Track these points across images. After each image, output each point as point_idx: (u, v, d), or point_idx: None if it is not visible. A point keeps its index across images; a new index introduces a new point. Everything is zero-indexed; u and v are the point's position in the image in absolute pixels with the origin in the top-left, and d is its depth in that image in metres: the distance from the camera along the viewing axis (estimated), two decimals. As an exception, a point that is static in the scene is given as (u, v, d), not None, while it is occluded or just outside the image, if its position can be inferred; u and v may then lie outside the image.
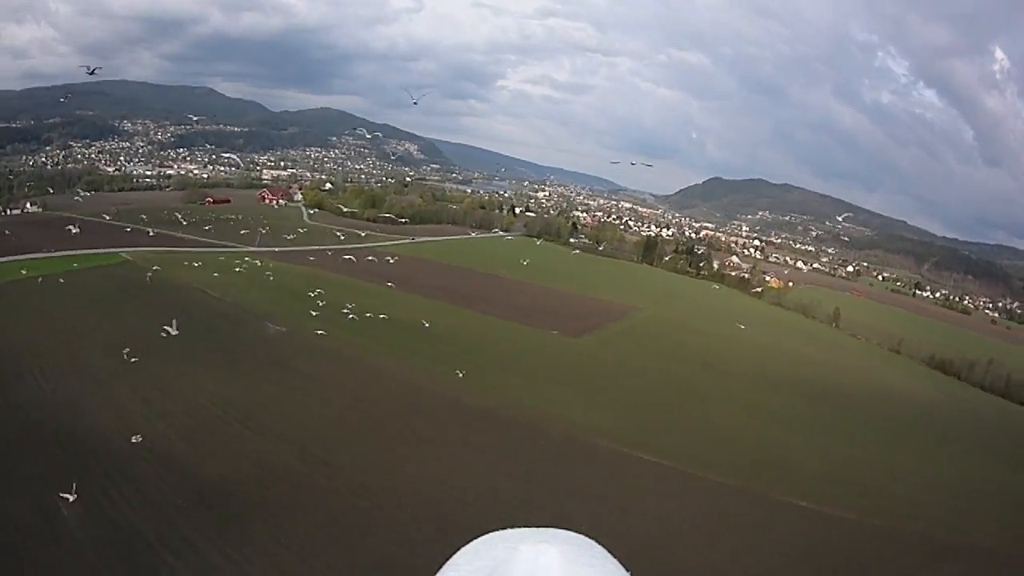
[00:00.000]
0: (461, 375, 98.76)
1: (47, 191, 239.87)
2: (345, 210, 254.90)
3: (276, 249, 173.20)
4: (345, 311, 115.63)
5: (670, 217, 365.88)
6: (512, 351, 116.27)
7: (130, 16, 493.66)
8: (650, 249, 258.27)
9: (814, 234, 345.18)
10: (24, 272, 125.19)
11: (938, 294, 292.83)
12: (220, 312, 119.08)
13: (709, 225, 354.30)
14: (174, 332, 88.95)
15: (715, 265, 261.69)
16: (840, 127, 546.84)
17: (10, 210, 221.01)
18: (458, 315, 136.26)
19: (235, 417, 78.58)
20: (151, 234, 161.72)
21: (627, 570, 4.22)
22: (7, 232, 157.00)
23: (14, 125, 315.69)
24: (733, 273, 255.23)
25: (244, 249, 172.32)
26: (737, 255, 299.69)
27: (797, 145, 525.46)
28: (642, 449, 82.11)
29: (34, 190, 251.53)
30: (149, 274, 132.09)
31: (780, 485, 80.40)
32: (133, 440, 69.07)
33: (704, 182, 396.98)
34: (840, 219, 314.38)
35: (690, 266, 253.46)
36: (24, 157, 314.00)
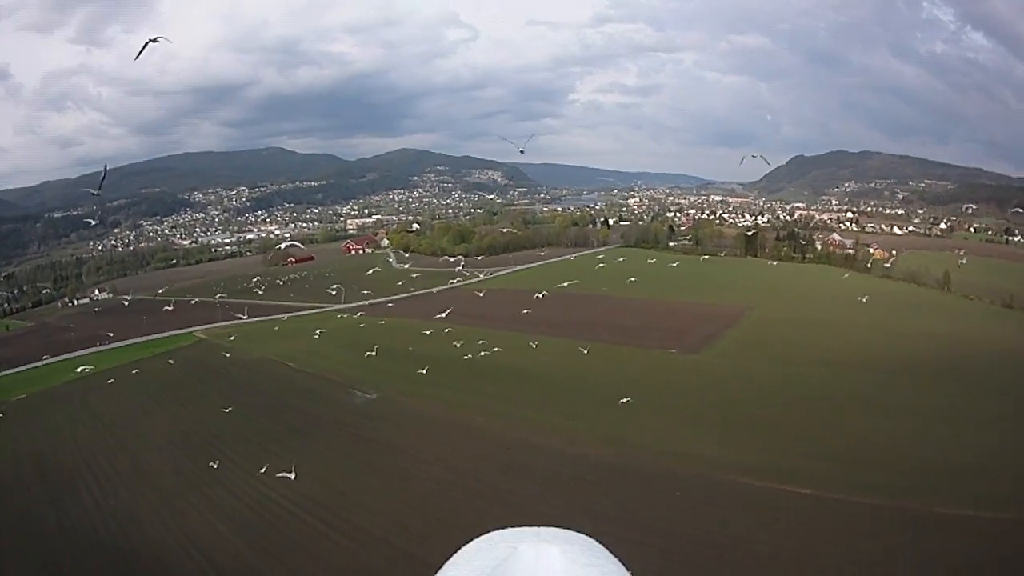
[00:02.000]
0: (573, 422, 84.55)
1: (120, 274, 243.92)
2: (434, 250, 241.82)
3: (365, 303, 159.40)
4: (421, 369, 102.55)
5: (761, 203, 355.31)
6: (628, 381, 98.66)
7: (179, 90, 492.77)
8: (751, 240, 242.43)
9: (900, 196, 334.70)
10: (81, 370, 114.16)
11: None
12: (301, 386, 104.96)
13: (800, 205, 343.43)
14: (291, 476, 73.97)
15: (818, 246, 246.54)
16: (902, 85, 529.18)
17: (77, 300, 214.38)
18: (564, 348, 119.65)
19: (316, 515, 65.05)
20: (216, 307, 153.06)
21: (628, 570, 4.15)
22: (71, 325, 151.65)
23: (75, 213, 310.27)
24: (838, 251, 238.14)
25: (328, 308, 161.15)
26: (837, 231, 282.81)
27: (866, 110, 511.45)
28: (787, 480, 67.28)
29: (104, 274, 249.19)
30: (227, 353, 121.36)
31: (937, 495, 65.40)
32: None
33: (787, 163, 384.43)
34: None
35: (794, 251, 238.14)
36: (91, 243, 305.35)
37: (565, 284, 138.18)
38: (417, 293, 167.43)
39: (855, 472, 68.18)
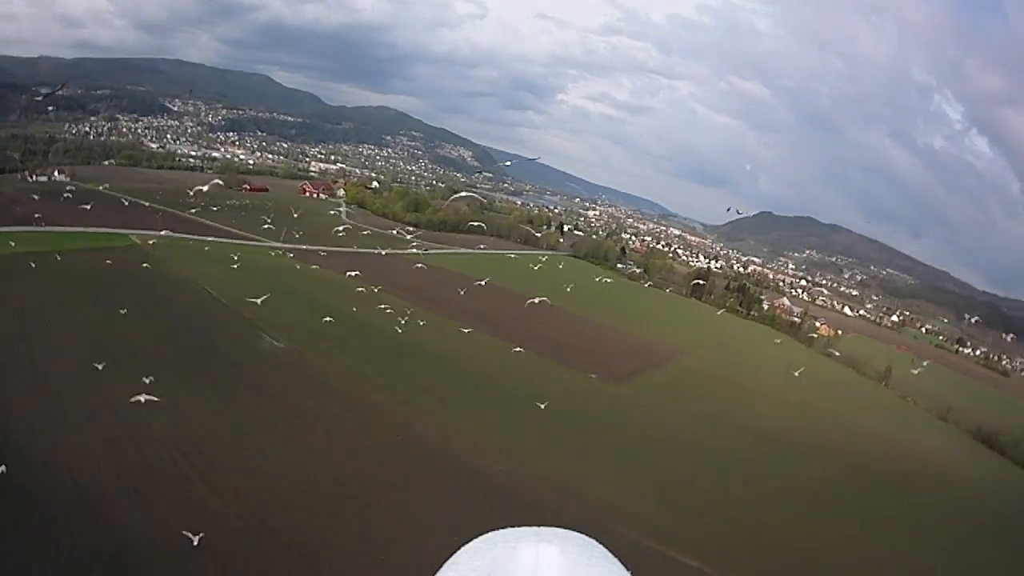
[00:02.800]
0: (473, 425, 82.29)
1: (84, 161, 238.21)
2: (386, 211, 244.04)
3: (302, 247, 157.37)
4: (348, 328, 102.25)
5: (719, 248, 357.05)
6: (539, 397, 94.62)
7: None
8: (700, 284, 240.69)
9: (859, 278, 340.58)
10: (13, 244, 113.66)
11: (978, 351, 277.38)
12: (213, 316, 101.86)
13: (757, 260, 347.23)
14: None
15: (765, 306, 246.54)
16: (891, 169, 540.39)
17: (36, 176, 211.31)
18: (484, 345, 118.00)
19: (191, 463, 60.12)
20: (159, 215, 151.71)
21: (627, 569, 4.13)
22: (20, 199, 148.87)
23: (59, 92, 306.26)
24: (784, 316, 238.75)
25: (265, 243, 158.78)
26: (788, 297, 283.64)
27: (848, 185, 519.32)
28: (670, 543, 64.61)
29: (69, 158, 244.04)
30: (145, 264, 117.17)
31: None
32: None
33: (755, 215, 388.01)
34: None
35: (740, 305, 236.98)
36: (68, 125, 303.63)
37: (484, 280, 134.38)
38: (358, 250, 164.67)
39: (745, 552, 66.14)
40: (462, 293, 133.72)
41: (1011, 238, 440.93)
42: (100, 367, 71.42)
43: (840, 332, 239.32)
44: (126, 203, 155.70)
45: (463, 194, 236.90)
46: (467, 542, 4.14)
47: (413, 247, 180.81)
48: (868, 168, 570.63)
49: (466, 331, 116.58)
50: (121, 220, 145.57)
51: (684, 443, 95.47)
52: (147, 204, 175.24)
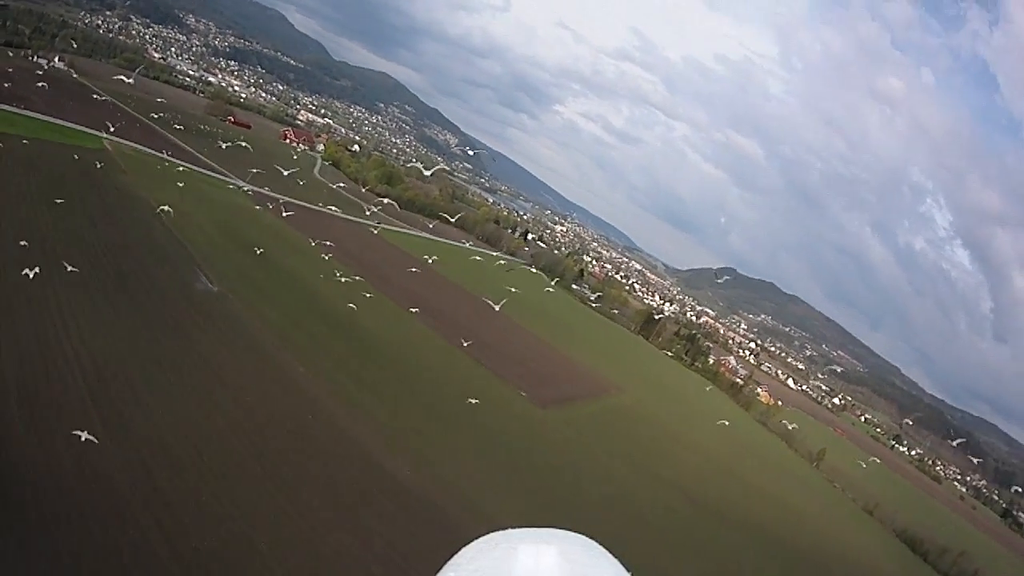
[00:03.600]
0: (382, 413, 78.97)
1: (86, 53, 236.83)
2: (358, 177, 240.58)
3: (265, 190, 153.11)
4: (288, 288, 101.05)
5: (675, 292, 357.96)
6: (460, 401, 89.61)
7: None
8: (650, 324, 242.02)
9: (808, 353, 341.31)
10: None
11: (914, 451, 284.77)
12: (156, 243, 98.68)
13: (711, 312, 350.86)
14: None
15: (711, 360, 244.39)
16: (865, 257, 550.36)
17: (37, 58, 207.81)
18: (418, 334, 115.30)
19: (83, 372, 58.43)
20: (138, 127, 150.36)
21: (627, 570, 3.92)
22: (13, 77, 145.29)
23: None
24: (727, 375, 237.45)
25: (231, 180, 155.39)
26: (735, 356, 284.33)
27: (818, 261, 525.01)
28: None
29: (74, 44, 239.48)
30: (99, 163, 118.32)
31: None
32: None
33: (718, 268, 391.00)
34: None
35: (686, 354, 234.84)
36: (83, 13, 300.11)
37: (432, 258, 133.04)
38: (319, 208, 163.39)
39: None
40: (413, 271, 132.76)
41: (970, 351, 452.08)
42: (24, 243, 72.40)
43: (780, 403, 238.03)
44: (104, 101, 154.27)
45: (441, 166, 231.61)
46: (468, 543, 3.90)
47: (372, 218, 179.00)
48: (842, 250, 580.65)
49: (412, 311, 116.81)
50: (101, 122, 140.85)
51: (594, 481, 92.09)
52: (135, 113, 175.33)
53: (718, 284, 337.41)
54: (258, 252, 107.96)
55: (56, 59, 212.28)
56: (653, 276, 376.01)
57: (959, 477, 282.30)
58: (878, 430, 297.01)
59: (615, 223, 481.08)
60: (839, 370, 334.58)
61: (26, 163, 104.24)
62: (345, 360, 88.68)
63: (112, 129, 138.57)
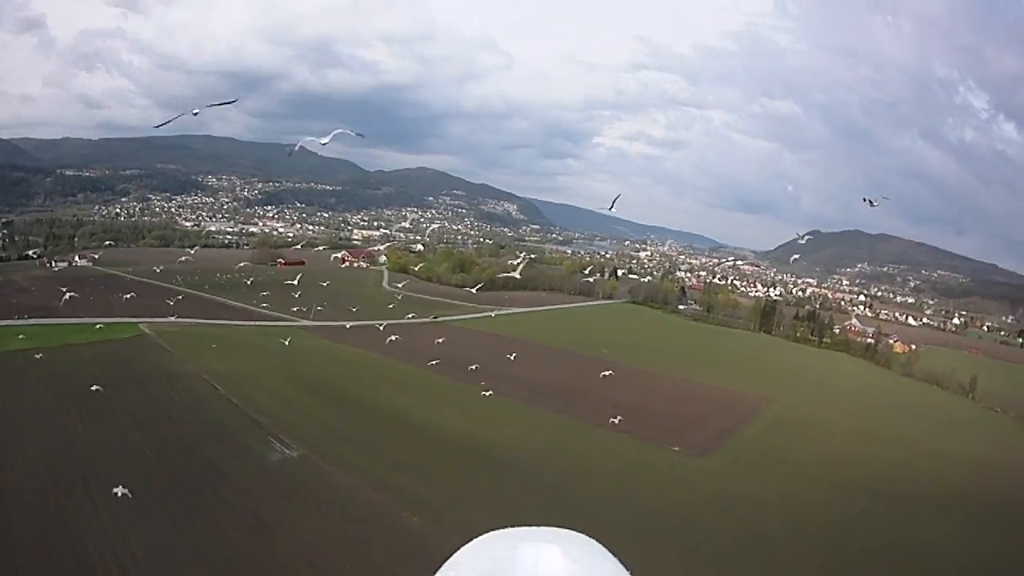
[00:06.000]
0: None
1: (111, 244, 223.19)
2: (430, 275, 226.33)
3: (334, 323, 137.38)
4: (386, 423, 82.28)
5: (773, 274, 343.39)
6: (613, 490, 70.24)
7: (210, 71, 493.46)
8: (768, 315, 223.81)
9: (912, 284, 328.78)
10: (21, 338, 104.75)
11: None
12: (215, 420, 79.69)
13: (811, 281, 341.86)
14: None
15: (836, 330, 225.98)
16: (928, 170, 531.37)
17: (55, 263, 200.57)
18: (543, 425, 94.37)
19: None
20: (175, 301, 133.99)
21: (627, 569, 4.05)
22: (32, 289, 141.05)
23: (86, 174, 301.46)
24: (856, 339, 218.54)
25: (295, 323, 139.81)
26: (856, 317, 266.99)
27: (889, 192, 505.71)
28: None
29: (97, 239, 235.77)
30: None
31: None
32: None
33: (802, 236, 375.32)
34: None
35: (812, 333, 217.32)
36: (97, 207, 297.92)
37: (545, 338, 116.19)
38: (398, 321, 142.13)
39: None
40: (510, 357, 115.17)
41: None
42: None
43: (914, 347, 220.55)
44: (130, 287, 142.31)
45: (525, 258, 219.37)
46: (467, 543, 4.09)
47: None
48: (906, 172, 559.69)
49: (537, 412, 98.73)
50: (135, 308, 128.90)
51: (801, 517, 72.36)
52: (170, 285, 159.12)
53: (803, 246, 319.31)
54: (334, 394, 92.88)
55: (76, 258, 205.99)
56: (747, 267, 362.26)
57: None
58: (1002, 333, 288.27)
59: (693, 230, 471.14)
60: (945, 289, 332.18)
61: (51, 375, 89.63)
62: (457, 487, 68.22)
63: (173, 313, 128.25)
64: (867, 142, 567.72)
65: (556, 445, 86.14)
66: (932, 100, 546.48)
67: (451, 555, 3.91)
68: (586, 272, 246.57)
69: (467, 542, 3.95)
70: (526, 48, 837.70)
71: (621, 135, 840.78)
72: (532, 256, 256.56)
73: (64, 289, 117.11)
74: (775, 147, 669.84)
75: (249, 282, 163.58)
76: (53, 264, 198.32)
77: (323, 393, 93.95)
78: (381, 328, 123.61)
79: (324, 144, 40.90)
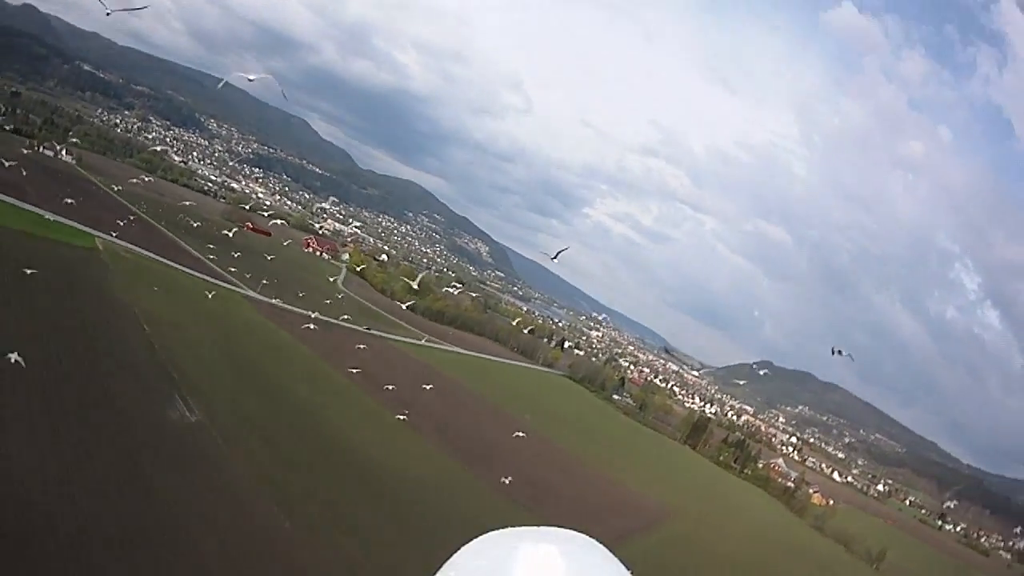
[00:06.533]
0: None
1: (101, 151, 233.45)
2: (385, 288, 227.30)
3: (275, 302, 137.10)
4: (286, 417, 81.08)
5: (713, 391, 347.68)
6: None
7: (248, 19, 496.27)
8: (698, 431, 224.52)
9: (847, 440, 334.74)
10: None
11: (959, 528, 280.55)
12: (130, 361, 77.50)
13: (749, 408, 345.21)
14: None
15: (759, 464, 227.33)
16: (896, 335, 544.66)
17: (42, 148, 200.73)
18: (449, 476, 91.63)
19: None
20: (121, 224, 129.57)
21: (628, 570, 3.69)
22: (11, 167, 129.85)
23: (101, 75, 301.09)
24: (777, 479, 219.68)
25: (238, 290, 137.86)
26: (782, 457, 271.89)
27: (851, 346, 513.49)
28: None
29: (87, 143, 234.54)
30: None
31: None
32: None
33: (754, 363, 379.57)
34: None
35: (735, 461, 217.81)
36: (100, 110, 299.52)
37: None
38: (336, 322, 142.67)
39: None
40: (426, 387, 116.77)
41: (1005, 413, 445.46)
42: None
43: (832, 503, 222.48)
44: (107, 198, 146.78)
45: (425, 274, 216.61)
46: (467, 542, 3.76)
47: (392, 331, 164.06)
48: (873, 330, 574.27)
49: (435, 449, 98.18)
50: (100, 222, 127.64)
51: None
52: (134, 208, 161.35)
53: (759, 378, 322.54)
54: (260, 376, 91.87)
55: (63, 151, 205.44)
56: (690, 376, 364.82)
57: (1003, 544, 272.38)
58: (923, 511, 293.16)
59: (649, 324, 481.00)
60: (879, 453, 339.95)
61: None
62: (342, 508, 67.39)
63: (116, 231, 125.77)
64: (845, 289, 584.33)
65: (445, 487, 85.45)
66: (924, 268, 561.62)
67: (451, 555, 3.61)
68: (534, 332, 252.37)
69: (466, 543, 3.60)
70: (547, 97, 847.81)
71: (610, 212, 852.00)
72: (438, 274, 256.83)
73: (67, 197, 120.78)
74: (755, 269, 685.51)
75: (196, 225, 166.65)
76: (41, 149, 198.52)
77: (247, 370, 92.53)
78: (312, 316, 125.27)
79: (251, 81, 40.24)
